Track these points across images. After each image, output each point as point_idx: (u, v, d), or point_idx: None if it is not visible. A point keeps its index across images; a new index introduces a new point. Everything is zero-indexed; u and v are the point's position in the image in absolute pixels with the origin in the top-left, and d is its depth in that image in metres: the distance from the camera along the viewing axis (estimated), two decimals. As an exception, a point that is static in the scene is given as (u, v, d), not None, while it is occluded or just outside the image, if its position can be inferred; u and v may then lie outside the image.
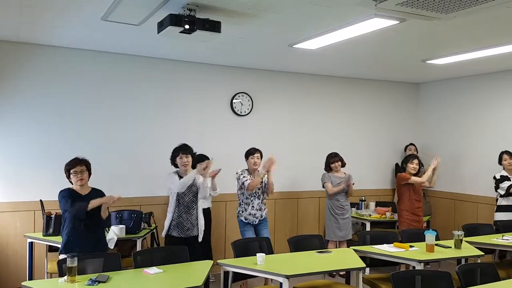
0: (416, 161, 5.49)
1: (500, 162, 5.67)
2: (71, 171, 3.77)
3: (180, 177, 4.36)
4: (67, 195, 3.74)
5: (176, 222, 4.33)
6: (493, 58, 5.33)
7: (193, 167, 5.42)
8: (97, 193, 3.89)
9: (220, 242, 6.05)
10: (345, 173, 5.82)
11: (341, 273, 4.73)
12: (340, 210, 5.72)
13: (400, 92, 7.43)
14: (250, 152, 5.11)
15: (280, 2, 3.46)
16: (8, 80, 4.97)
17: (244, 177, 5.01)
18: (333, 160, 5.74)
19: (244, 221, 5.03)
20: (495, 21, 3.89)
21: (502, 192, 5.51)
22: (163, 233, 4.39)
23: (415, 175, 5.49)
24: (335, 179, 5.72)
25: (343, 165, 5.82)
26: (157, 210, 5.36)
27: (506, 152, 5.63)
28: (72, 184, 3.83)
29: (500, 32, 4.24)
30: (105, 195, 3.91)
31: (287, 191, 6.52)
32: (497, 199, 5.65)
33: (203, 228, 4.46)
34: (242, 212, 5.03)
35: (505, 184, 5.48)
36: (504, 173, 5.58)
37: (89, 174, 3.88)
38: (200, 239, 4.44)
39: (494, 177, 5.63)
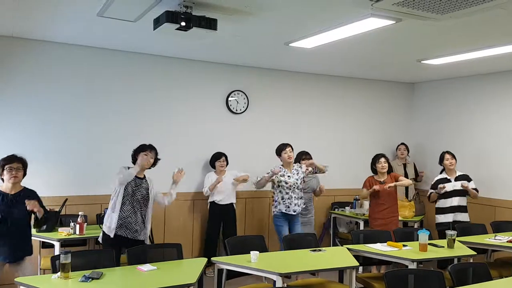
0: (383, 159, 5.38)
1: (441, 162, 5.58)
2: (6, 166, 3.61)
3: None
4: None
5: (122, 222, 4.03)
6: (488, 59, 5.36)
7: (212, 165, 5.58)
8: (27, 193, 3.70)
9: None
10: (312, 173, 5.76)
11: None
12: (304, 211, 5.46)
13: (395, 92, 7.46)
14: (282, 148, 5.18)
15: (276, 1, 3.46)
16: (1, 75, 4.94)
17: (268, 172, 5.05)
18: (303, 158, 5.62)
19: (287, 213, 5.05)
20: (490, 22, 3.92)
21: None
22: (109, 233, 4.02)
23: (388, 172, 5.43)
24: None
25: None
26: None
27: (448, 152, 5.55)
28: (4, 181, 3.65)
29: (495, 33, 4.27)
30: (37, 197, 3.74)
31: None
32: (436, 202, 5.61)
33: (148, 234, 4.23)
34: (287, 207, 5.06)
35: (430, 191, 5.49)
36: (443, 176, 5.52)
37: (24, 174, 3.70)
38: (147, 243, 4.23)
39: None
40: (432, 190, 5.54)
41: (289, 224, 5.15)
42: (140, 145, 4.25)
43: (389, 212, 5.35)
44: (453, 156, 5.52)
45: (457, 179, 5.46)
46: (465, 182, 5.43)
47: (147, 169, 4.21)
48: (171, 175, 4.35)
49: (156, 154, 4.25)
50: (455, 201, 5.44)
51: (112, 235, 4.03)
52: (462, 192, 5.45)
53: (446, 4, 3.27)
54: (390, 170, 5.47)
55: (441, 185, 5.40)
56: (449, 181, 5.46)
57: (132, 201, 4.11)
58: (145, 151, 4.15)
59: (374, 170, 5.49)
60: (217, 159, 5.74)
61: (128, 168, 4.14)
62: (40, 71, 5.11)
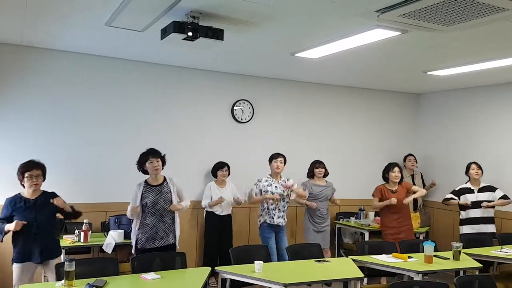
0: (397, 168, 5.35)
1: (467, 172, 5.59)
2: (26, 174, 3.66)
3: (148, 184, 4.19)
4: (7, 207, 3.66)
5: (149, 235, 4.09)
6: (493, 71, 5.35)
7: (214, 174, 5.63)
8: (47, 196, 3.75)
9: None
10: (326, 181, 5.83)
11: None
12: (319, 219, 5.66)
13: (400, 102, 7.45)
14: (273, 157, 5.24)
15: (282, 12, 3.49)
16: (9, 82, 4.99)
17: (256, 185, 5.14)
18: (317, 166, 5.73)
19: (272, 224, 5.07)
20: (495, 34, 3.92)
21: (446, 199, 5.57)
22: (133, 249, 4.17)
23: (400, 182, 5.40)
24: (316, 188, 5.71)
25: (326, 174, 5.83)
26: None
27: (475, 162, 5.57)
28: (24, 187, 3.72)
29: (501, 45, 4.27)
30: (57, 196, 3.80)
31: (286, 199, 6.52)
32: (460, 213, 5.61)
33: (178, 235, 4.26)
34: (272, 219, 5.08)
35: (449, 195, 5.46)
36: (467, 185, 5.51)
37: (43, 179, 3.76)
38: (178, 247, 4.25)
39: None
40: (451, 195, 5.48)
41: (275, 236, 5.14)
42: (140, 155, 4.24)
43: (403, 220, 5.33)
44: (479, 167, 5.52)
45: (480, 190, 5.45)
46: (484, 203, 5.39)
47: (158, 173, 4.22)
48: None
49: (159, 154, 4.24)
50: (478, 212, 5.42)
51: (140, 248, 4.11)
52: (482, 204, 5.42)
53: (452, 16, 3.28)
54: (401, 179, 5.46)
55: (468, 204, 5.41)
56: (472, 191, 5.45)
57: (155, 212, 4.14)
58: (149, 160, 4.17)
59: (386, 178, 5.45)
60: (219, 169, 5.73)
61: (144, 181, 4.22)
62: (48, 80, 5.15)
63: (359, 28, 3.79)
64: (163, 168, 4.25)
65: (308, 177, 5.85)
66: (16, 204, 3.67)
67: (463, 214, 5.53)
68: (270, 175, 5.23)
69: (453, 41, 4.20)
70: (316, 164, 5.78)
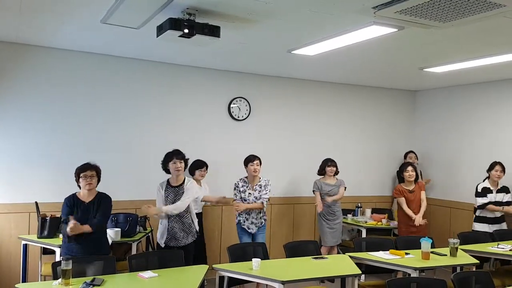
0: (410, 168, 5.52)
1: (489, 170, 5.56)
2: (81, 175, 3.87)
3: (170, 185, 4.38)
4: (67, 205, 3.84)
5: (171, 235, 4.34)
6: (490, 67, 5.36)
7: (191, 173, 5.47)
8: (100, 199, 3.93)
9: (215, 246, 6.04)
10: (337, 179, 5.90)
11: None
12: (331, 216, 5.77)
13: (397, 100, 7.46)
14: (249, 159, 5.12)
15: (279, 8, 3.47)
16: (5, 80, 4.96)
17: (235, 191, 5.10)
18: (329, 165, 5.81)
19: (247, 230, 5.07)
20: (492, 30, 3.92)
21: (477, 205, 5.52)
22: (159, 242, 4.43)
23: (415, 180, 5.56)
24: (326, 187, 5.77)
25: (337, 173, 5.88)
26: (153, 213, 5.34)
27: (500, 163, 5.53)
28: (80, 188, 3.91)
29: (497, 41, 4.27)
30: (109, 200, 3.97)
31: (283, 197, 6.53)
32: (475, 209, 5.64)
33: (197, 229, 4.50)
34: (244, 221, 5.07)
35: (484, 200, 5.45)
36: (487, 185, 5.51)
37: (98, 180, 3.96)
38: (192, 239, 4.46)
39: (476, 188, 5.59)
40: (483, 200, 5.43)
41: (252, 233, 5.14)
42: (165, 155, 4.41)
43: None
44: (503, 169, 5.49)
45: (498, 191, 5.48)
46: (506, 207, 5.44)
47: (180, 174, 4.37)
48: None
49: (183, 157, 4.40)
50: (496, 212, 5.47)
51: (162, 245, 4.38)
52: (501, 204, 5.46)
53: (448, 12, 3.28)
54: (417, 178, 5.57)
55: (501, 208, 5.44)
56: (491, 191, 5.47)
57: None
58: (171, 160, 4.33)
59: (401, 178, 5.54)
60: (198, 168, 5.48)
61: (167, 181, 4.40)
62: (43, 77, 5.12)
63: (355, 25, 3.78)
64: (184, 170, 4.44)
65: (318, 174, 5.88)
66: (74, 202, 3.86)
67: (478, 212, 5.55)
68: (246, 177, 5.14)
69: (450, 38, 4.20)
70: (328, 162, 5.84)
